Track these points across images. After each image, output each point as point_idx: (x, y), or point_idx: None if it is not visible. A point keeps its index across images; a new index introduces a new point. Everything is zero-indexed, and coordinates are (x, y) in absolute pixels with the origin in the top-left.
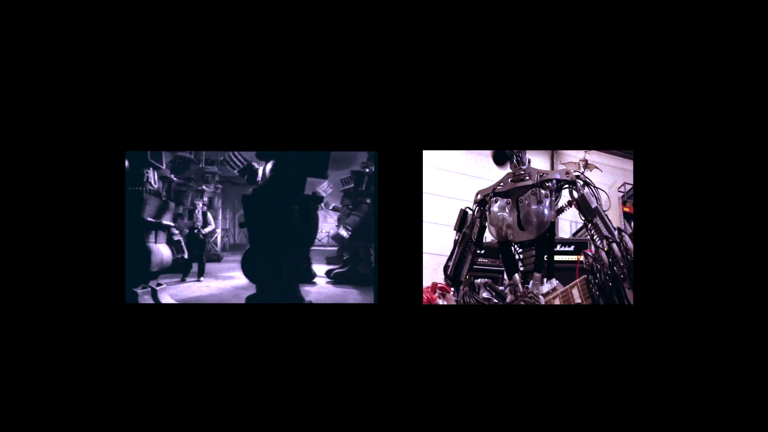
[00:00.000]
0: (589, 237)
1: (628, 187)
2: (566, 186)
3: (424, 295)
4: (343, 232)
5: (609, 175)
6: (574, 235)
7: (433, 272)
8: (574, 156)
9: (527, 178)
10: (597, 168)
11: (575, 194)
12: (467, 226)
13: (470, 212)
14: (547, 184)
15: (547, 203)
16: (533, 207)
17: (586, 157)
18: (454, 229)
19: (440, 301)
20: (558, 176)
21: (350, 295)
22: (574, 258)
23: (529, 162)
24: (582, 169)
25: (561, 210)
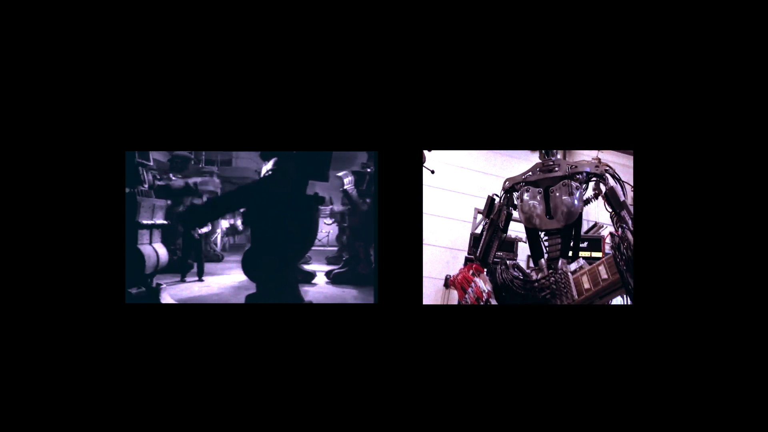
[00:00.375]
0: (613, 226)
1: None
2: (594, 179)
3: (460, 274)
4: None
5: (622, 174)
6: (587, 232)
7: (446, 265)
8: (586, 155)
9: (557, 169)
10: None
11: (603, 187)
12: (494, 212)
13: (497, 199)
14: (577, 176)
15: (578, 195)
16: (564, 198)
17: (599, 156)
18: (483, 215)
19: (477, 279)
20: (588, 169)
21: (349, 295)
22: (588, 254)
23: (557, 153)
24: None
25: (588, 201)
